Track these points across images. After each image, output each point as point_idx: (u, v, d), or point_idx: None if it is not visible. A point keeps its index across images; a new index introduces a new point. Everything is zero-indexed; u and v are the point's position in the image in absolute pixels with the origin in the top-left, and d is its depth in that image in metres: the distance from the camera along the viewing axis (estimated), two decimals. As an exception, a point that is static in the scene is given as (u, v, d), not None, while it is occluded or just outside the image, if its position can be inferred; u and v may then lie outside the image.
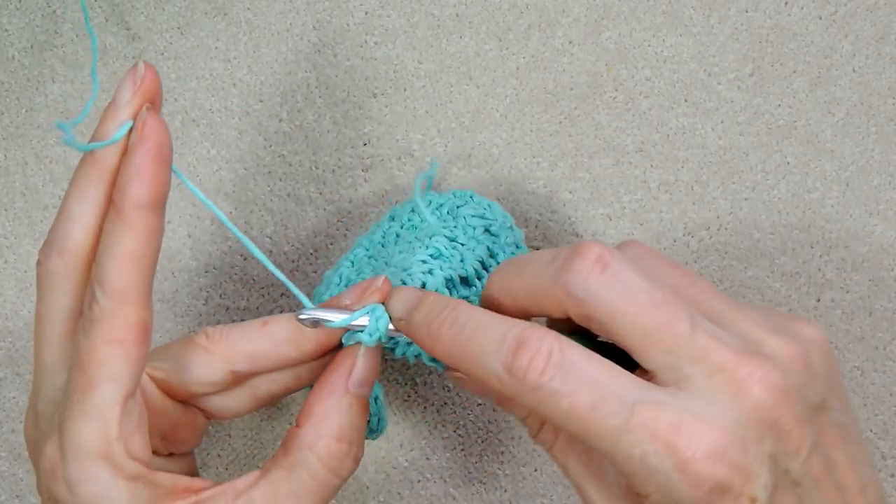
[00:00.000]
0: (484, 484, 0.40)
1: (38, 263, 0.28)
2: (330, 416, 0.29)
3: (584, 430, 0.25)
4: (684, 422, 0.24)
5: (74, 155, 0.41)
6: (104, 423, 0.25)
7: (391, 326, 0.30)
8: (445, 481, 0.40)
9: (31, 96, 0.41)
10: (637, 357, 0.26)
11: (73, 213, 0.27)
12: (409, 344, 0.32)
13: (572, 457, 0.28)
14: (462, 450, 0.40)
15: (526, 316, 0.28)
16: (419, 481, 0.40)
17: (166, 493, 0.26)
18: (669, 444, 0.24)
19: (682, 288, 0.27)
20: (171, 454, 0.30)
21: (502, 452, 0.40)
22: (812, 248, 0.40)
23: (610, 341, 0.27)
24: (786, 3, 0.41)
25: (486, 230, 0.35)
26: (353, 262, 0.36)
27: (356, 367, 0.30)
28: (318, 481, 0.28)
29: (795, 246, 0.40)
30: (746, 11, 0.41)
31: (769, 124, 0.41)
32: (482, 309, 0.28)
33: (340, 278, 0.35)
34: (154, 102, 0.28)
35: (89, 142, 0.27)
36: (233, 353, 0.30)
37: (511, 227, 0.36)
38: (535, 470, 0.40)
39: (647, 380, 0.26)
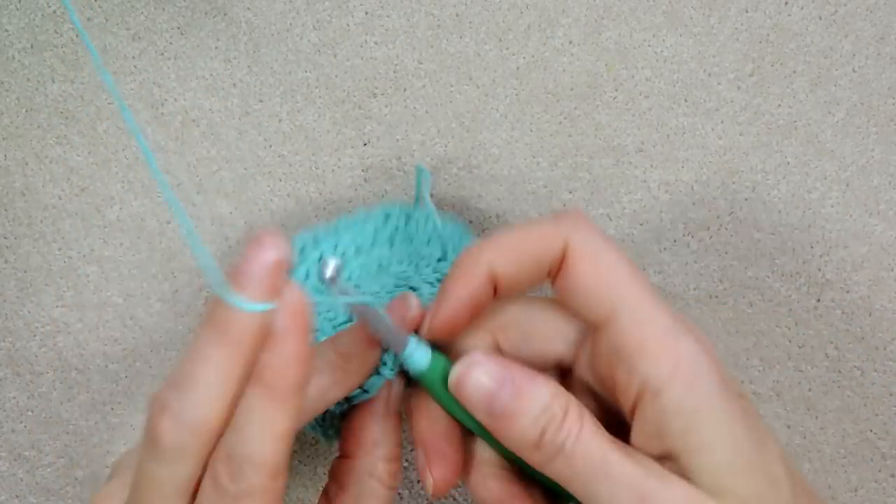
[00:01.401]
0: (484, 484, 0.40)
1: (159, 432, 0.25)
2: (381, 441, 0.30)
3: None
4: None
5: (74, 155, 0.41)
6: None
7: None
8: (445, 481, 0.40)
9: (31, 96, 0.41)
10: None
11: (205, 387, 0.25)
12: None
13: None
14: (462, 450, 0.40)
15: (514, 272, 0.29)
16: (419, 481, 0.40)
17: None
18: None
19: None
20: None
21: (502, 452, 0.40)
22: (812, 248, 0.40)
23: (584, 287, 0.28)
24: (786, 3, 0.41)
25: None
26: (336, 247, 0.35)
27: (394, 389, 0.31)
28: (383, 502, 0.29)
29: (795, 246, 0.40)
30: (746, 11, 0.41)
31: (769, 124, 0.41)
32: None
33: (321, 256, 0.35)
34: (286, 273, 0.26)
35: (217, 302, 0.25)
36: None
37: None
38: (535, 470, 0.40)
39: None
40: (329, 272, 0.27)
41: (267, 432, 0.25)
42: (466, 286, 0.29)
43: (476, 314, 0.29)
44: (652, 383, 0.26)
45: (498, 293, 0.29)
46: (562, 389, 0.27)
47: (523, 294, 0.30)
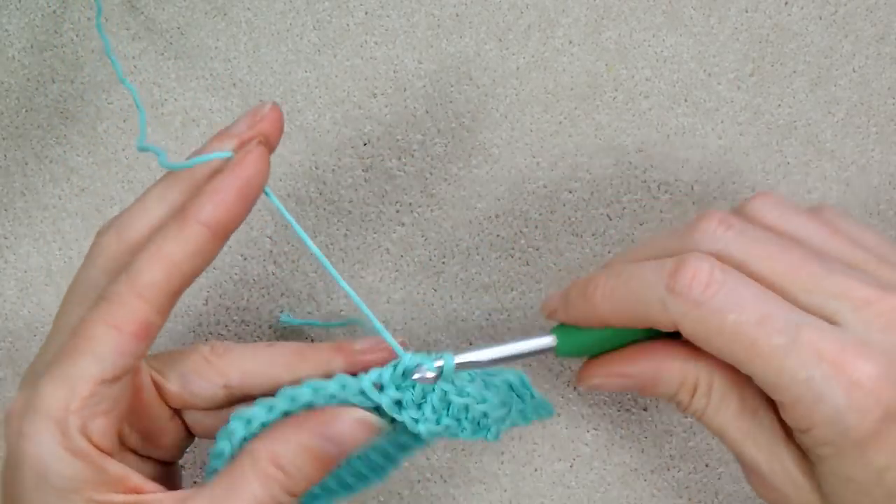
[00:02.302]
0: (484, 484, 0.40)
1: (97, 233, 0.28)
2: (289, 441, 0.27)
3: (750, 350, 0.25)
4: (849, 347, 0.24)
5: (74, 155, 0.41)
6: (69, 392, 0.25)
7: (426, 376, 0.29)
8: (445, 481, 0.40)
9: (31, 96, 0.41)
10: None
11: (146, 207, 0.28)
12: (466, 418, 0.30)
13: (727, 415, 0.28)
14: (462, 450, 0.40)
15: (633, 314, 0.28)
16: (419, 481, 0.40)
17: (109, 480, 0.26)
18: (836, 366, 0.24)
19: (817, 237, 0.28)
20: (148, 458, 0.30)
21: (502, 452, 0.40)
22: (812, 248, 0.40)
23: None
24: (786, 3, 0.41)
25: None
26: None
27: (340, 424, 0.28)
28: (253, 498, 0.27)
29: (795, 246, 0.40)
30: (746, 11, 0.41)
31: (769, 124, 0.41)
32: (629, 262, 0.28)
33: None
34: (269, 143, 0.29)
35: (187, 158, 0.28)
36: (230, 368, 0.30)
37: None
38: (536, 470, 0.40)
39: None
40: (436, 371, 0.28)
41: (154, 251, 0.26)
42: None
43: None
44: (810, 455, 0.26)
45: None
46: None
47: None
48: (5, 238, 0.41)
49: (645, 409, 0.40)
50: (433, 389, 0.29)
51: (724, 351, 0.26)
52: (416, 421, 0.29)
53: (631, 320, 0.28)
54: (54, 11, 0.41)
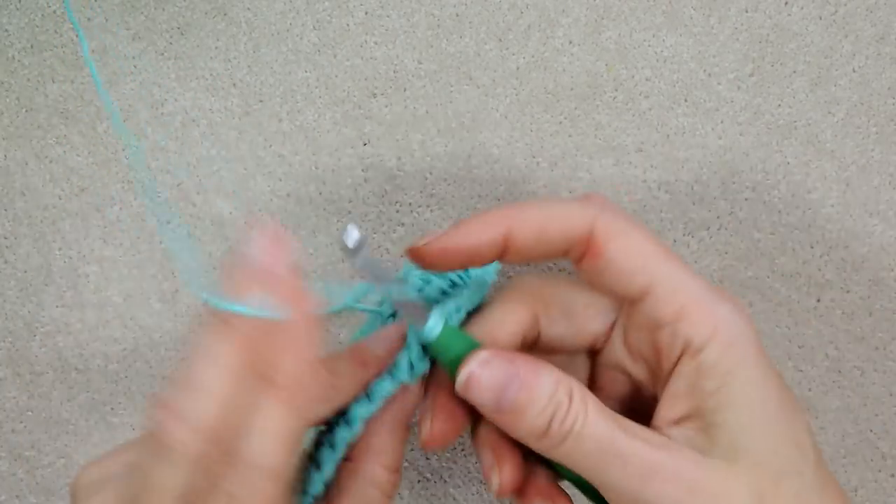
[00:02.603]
0: (484, 484, 0.40)
1: (163, 432, 0.24)
2: (388, 450, 0.30)
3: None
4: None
5: (74, 155, 0.41)
6: None
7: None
8: (445, 481, 0.40)
9: (31, 96, 0.41)
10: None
11: (212, 389, 0.24)
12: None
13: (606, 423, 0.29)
14: (462, 450, 0.40)
15: (533, 246, 0.29)
16: (419, 481, 0.40)
17: None
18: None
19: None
20: None
21: (502, 452, 0.40)
22: (812, 248, 0.40)
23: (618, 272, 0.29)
24: (786, 3, 0.41)
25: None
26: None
27: (409, 398, 0.31)
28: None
29: (795, 246, 0.40)
30: (746, 11, 0.41)
31: (769, 124, 0.41)
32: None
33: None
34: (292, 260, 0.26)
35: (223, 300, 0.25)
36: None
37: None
38: (535, 470, 0.40)
39: None
40: (352, 242, 0.27)
41: (273, 434, 0.24)
42: (477, 233, 0.29)
43: (470, 263, 0.29)
44: (693, 344, 0.27)
45: (506, 257, 0.30)
46: (563, 375, 0.27)
47: (538, 263, 0.31)
48: (5, 238, 0.41)
49: (645, 409, 0.40)
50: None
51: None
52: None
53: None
54: (54, 11, 0.41)
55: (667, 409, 0.27)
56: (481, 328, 0.31)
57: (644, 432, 0.27)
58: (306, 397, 0.25)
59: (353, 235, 0.27)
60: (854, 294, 0.40)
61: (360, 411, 0.30)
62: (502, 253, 0.29)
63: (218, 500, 0.24)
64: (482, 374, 0.28)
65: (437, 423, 0.30)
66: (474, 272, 0.35)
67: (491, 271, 0.35)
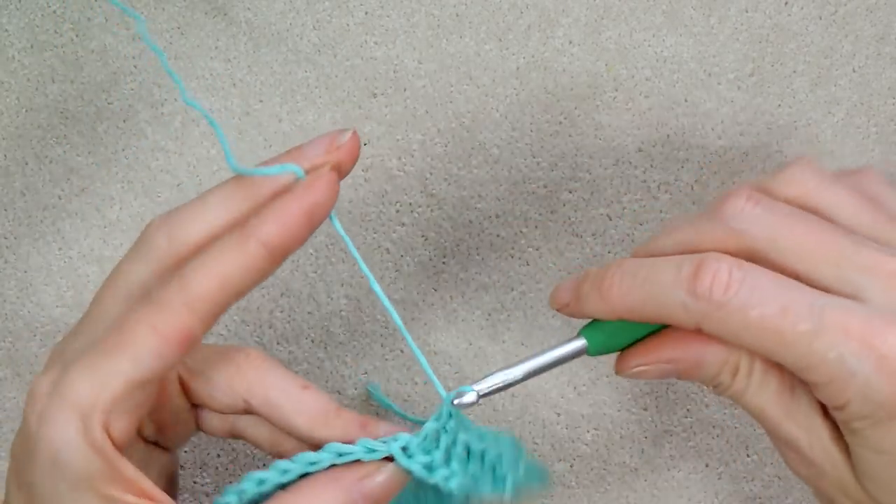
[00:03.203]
0: (484, 484, 0.40)
1: (147, 226, 0.28)
2: (325, 499, 0.27)
3: (777, 340, 0.25)
4: (875, 322, 0.24)
5: (74, 155, 0.41)
6: (100, 388, 0.25)
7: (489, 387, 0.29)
8: (445, 481, 0.40)
9: (31, 96, 0.41)
10: (807, 279, 0.26)
11: (204, 210, 0.27)
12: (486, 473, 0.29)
13: (766, 395, 0.28)
14: (462, 450, 0.40)
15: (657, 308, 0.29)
16: (419, 481, 0.40)
17: (122, 480, 0.26)
18: (865, 342, 0.24)
19: (852, 208, 0.28)
20: (156, 444, 0.30)
21: (502, 452, 0.40)
22: (812, 248, 0.40)
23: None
24: (786, 3, 0.41)
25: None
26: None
27: (376, 480, 0.28)
28: None
29: (795, 246, 0.40)
30: (746, 11, 0.41)
31: (769, 124, 0.41)
32: (643, 258, 0.28)
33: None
34: (341, 171, 0.28)
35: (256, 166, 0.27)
36: (258, 387, 0.30)
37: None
38: (535, 470, 0.40)
39: None
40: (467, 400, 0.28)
41: (212, 267, 0.26)
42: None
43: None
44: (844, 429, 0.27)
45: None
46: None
47: None
48: (5, 238, 0.41)
49: (645, 409, 0.40)
50: (454, 443, 0.29)
51: (753, 344, 0.26)
52: (447, 478, 0.28)
53: (649, 319, 0.28)
54: (54, 11, 0.41)
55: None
56: None
57: None
58: (267, 252, 0.26)
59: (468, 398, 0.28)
60: (854, 294, 0.40)
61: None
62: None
63: (143, 301, 0.26)
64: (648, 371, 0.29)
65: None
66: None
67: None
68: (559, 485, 0.40)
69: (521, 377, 0.29)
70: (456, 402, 0.28)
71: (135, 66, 0.41)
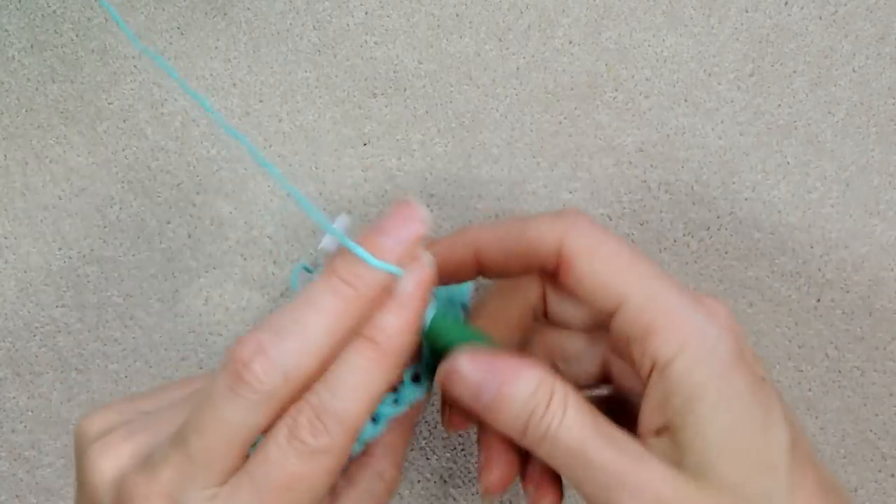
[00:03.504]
0: (484, 484, 0.40)
1: (249, 372, 0.24)
2: (398, 448, 0.30)
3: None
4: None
5: (74, 155, 0.41)
6: None
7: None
8: (445, 481, 0.40)
9: (31, 96, 0.41)
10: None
11: (314, 341, 0.25)
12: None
13: (585, 428, 0.28)
14: (462, 450, 0.40)
15: (501, 264, 0.29)
16: (419, 481, 0.40)
17: None
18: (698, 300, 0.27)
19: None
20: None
21: (502, 452, 0.40)
22: (812, 248, 0.40)
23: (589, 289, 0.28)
24: (786, 3, 0.41)
25: None
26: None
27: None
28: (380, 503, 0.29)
29: (795, 246, 0.40)
30: (746, 11, 0.41)
31: (769, 124, 0.41)
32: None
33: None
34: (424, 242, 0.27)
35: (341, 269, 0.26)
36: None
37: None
38: (535, 470, 0.40)
39: None
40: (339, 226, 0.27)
41: (363, 391, 0.25)
42: (447, 251, 0.29)
43: (443, 281, 0.30)
44: (660, 360, 0.26)
45: (483, 273, 0.30)
46: (550, 374, 0.27)
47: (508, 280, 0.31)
48: (5, 238, 0.41)
49: (645, 409, 0.40)
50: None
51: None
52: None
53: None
54: (54, 11, 0.41)
55: (646, 419, 0.27)
56: (489, 305, 0.31)
57: (622, 441, 0.26)
58: (399, 362, 0.26)
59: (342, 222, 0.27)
60: (854, 294, 0.40)
61: (386, 411, 0.30)
62: (475, 271, 0.30)
63: (303, 452, 0.24)
64: (463, 369, 0.27)
65: (496, 473, 0.30)
66: (444, 290, 0.34)
67: (465, 291, 0.34)
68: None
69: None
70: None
71: (135, 66, 0.41)
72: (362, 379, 0.25)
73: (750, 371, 0.26)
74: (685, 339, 0.26)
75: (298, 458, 0.24)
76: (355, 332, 0.25)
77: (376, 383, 0.25)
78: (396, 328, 0.25)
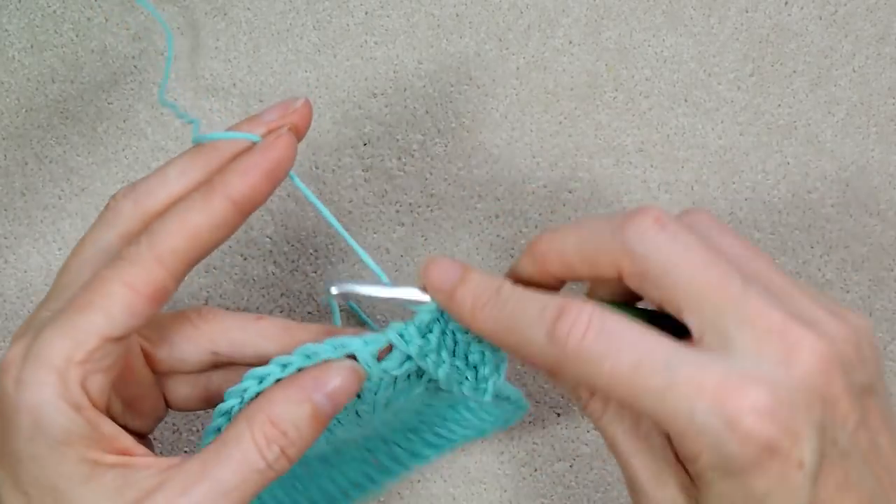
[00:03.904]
0: (484, 484, 0.40)
1: (113, 198, 0.29)
2: (277, 402, 0.27)
3: (628, 392, 0.25)
4: (731, 379, 0.24)
5: (74, 155, 0.41)
6: (75, 344, 0.25)
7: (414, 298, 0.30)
8: (445, 481, 0.40)
9: (31, 96, 0.41)
10: (685, 317, 0.26)
11: (167, 178, 0.29)
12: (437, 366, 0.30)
13: (620, 428, 0.28)
14: (462, 450, 0.40)
15: (572, 277, 0.29)
16: (419, 481, 0.40)
17: (102, 438, 0.26)
18: (717, 400, 0.24)
19: (743, 258, 0.27)
20: (125, 427, 0.30)
21: (502, 452, 0.40)
22: (812, 248, 0.40)
23: (659, 306, 0.27)
24: (786, 3, 0.41)
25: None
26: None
27: (332, 380, 0.28)
28: (245, 461, 0.26)
29: (795, 246, 0.40)
30: (746, 11, 0.41)
31: (769, 124, 0.41)
32: (522, 289, 0.28)
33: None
34: (297, 133, 0.29)
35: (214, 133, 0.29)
36: (219, 335, 0.30)
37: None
38: (535, 470, 0.40)
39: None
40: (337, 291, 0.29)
41: (180, 220, 0.27)
42: (524, 274, 0.30)
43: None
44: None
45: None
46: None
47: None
48: (5, 238, 0.41)
49: (645, 409, 0.40)
50: (444, 333, 0.30)
51: (606, 391, 0.26)
52: (437, 365, 0.30)
53: (507, 349, 0.28)
54: (54, 11, 0.41)
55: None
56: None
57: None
58: (230, 205, 0.27)
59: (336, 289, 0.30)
60: (854, 294, 0.40)
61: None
62: (559, 283, 0.30)
63: (114, 259, 0.27)
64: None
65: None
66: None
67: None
68: (559, 485, 0.40)
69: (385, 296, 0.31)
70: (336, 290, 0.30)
71: (135, 66, 0.41)
72: (184, 206, 0.27)
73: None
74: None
75: (114, 270, 0.26)
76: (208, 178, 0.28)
77: (195, 211, 0.27)
78: (232, 169, 0.28)
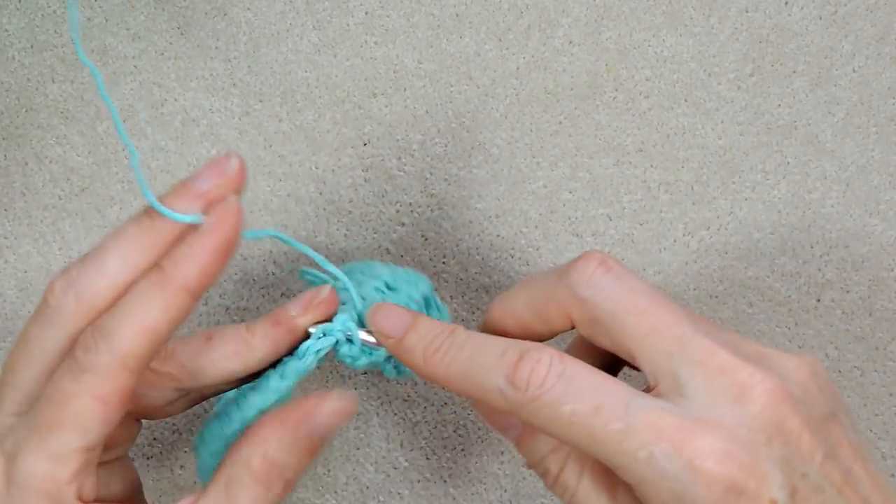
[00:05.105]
0: (484, 484, 0.40)
1: (50, 291, 0.27)
2: (279, 441, 0.28)
3: (587, 438, 0.25)
4: (688, 423, 0.24)
5: (74, 155, 0.41)
6: (59, 467, 0.25)
7: (368, 339, 0.31)
8: (445, 481, 0.40)
9: (31, 96, 0.41)
10: (638, 361, 0.26)
11: (107, 267, 0.27)
12: (388, 359, 0.32)
13: (586, 489, 0.28)
14: (462, 450, 0.40)
15: (529, 336, 0.29)
16: (419, 481, 0.40)
17: None
18: (675, 444, 0.24)
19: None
20: (105, 462, 0.30)
21: (502, 452, 0.40)
22: (812, 248, 0.40)
23: (611, 350, 0.27)
24: (786, 3, 0.41)
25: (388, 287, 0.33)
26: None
27: (321, 413, 0.28)
28: (251, 498, 0.27)
29: (795, 246, 0.40)
30: (746, 11, 0.41)
31: (769, 124, 0.41)
32: (478, 333, 0.28)
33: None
34: (237, 192, 0.28)
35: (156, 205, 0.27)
36: (178, 372, 0.30)
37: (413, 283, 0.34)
38: (535, 470, 0.40)
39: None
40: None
41: (136, 319, 0.26)
42: (494, 330, 0.30)
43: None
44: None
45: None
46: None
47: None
48: (5, 238, 0.41)
49: (645, 409, 0.40)
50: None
51: (565, 438, 0.26)
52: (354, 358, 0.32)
53: (467, 395, 0.28)
54: (54, 11, 0.41)
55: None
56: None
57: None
58: (185, 292, 0.26)
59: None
60: (854, 294, 0.40)
61: (293, 365, 0.30)
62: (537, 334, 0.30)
63: (74, 370, 0.25)
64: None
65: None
66: (403, 275, 0.34)
67: (424, 285, 0.34)
68: (559, 485, 0.40)
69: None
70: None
71: (135, 66, 0.41)
72: (140, 303, 0.26)
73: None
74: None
75: (69, 374, 0.25)
76: (157, 262, 0.26)
77: (154, 309, 0.26)
78: (185, 255, 0.26)
